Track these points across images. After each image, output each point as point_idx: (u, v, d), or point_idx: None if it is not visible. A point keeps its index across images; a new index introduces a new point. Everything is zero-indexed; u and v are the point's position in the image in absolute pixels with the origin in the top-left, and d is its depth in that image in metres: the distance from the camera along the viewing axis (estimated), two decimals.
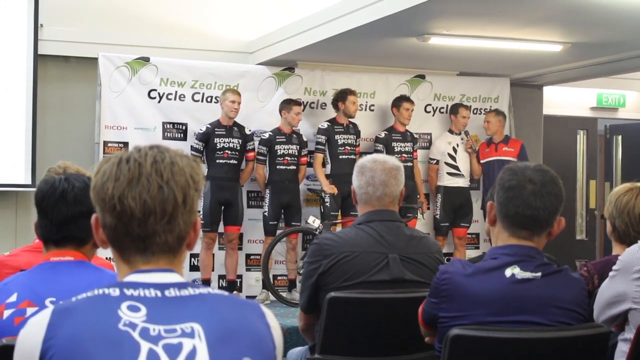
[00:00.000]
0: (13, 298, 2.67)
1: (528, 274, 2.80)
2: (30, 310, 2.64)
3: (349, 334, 3.63)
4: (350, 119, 9.33)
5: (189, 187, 1.87)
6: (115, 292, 1.80)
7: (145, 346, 1.72)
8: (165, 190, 1.83)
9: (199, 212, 8.19)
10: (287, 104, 9.09)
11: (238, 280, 9.25)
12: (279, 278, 9.44)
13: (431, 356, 3.67)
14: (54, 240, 2.80)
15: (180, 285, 1.85)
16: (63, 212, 2.78)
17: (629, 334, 3.35)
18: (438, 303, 2.92)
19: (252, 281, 9.48)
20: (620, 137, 12.82)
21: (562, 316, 2.81)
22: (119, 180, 1.83)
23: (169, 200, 1.83)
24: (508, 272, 2.81)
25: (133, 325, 1.74)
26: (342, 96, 9.26)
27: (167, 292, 1.82)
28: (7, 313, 2.65)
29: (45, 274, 2.73)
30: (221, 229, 8.87)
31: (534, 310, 2.78)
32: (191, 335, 1.76)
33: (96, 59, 8.97)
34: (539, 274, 2.81)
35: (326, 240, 3.71)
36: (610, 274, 3.44)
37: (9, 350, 2.44)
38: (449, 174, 9.83)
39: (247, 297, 9.12)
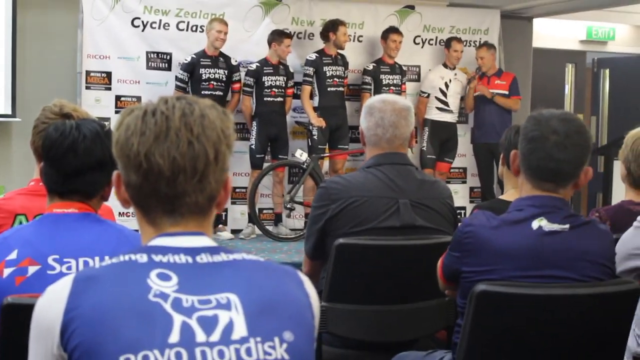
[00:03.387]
0: (13, 255, 2.47)
1: (556, 226, 2.66)
2: (32, 269, 2.45)
3: (357, 282, 3.49)
4: (338, 51, 9.12)
5: (220, 142, 1.70)
6: (142, 258, 1.65)
7: (178, 319, 1.57)
8: (195, 146, 1.67)
9: None
10: (278, 36, 8.83)
11: (223, 213, 9.09)
12: (265, 212, 9.29)
13: (441, 304, 3.57)
14: (59, 192, 2.60)
15: (212, 250, 1.70)
16: (72, 164, 2.56)
17: None
18: (460, 257, 2.77)
19: (238, 215, 9.32)
20: (607, 71, 12.70)
21: (592, 270, 2.67)
22: (145, 135, 1.66)
23: (200, 158, 1.67)
24: (535, 224, 2.66)
25: (164, 296, 1.59)
26: (333, 27, 9.02)
27: (198, 258, 1.67)
28: (7, 272, 2.45)
29: (48, 229, 2.54)
30: None
31: (564, 264, 2.64)
32: (227, 306, 1.61)
33: None
34: (567, 225, 2.67)
35: (334, 184, 3.56)
36: (635, 223, 3.28)
37: (14, 309, 2.30)
38: (438, 108, 9.66)
39: (233, 230, 9.01)
